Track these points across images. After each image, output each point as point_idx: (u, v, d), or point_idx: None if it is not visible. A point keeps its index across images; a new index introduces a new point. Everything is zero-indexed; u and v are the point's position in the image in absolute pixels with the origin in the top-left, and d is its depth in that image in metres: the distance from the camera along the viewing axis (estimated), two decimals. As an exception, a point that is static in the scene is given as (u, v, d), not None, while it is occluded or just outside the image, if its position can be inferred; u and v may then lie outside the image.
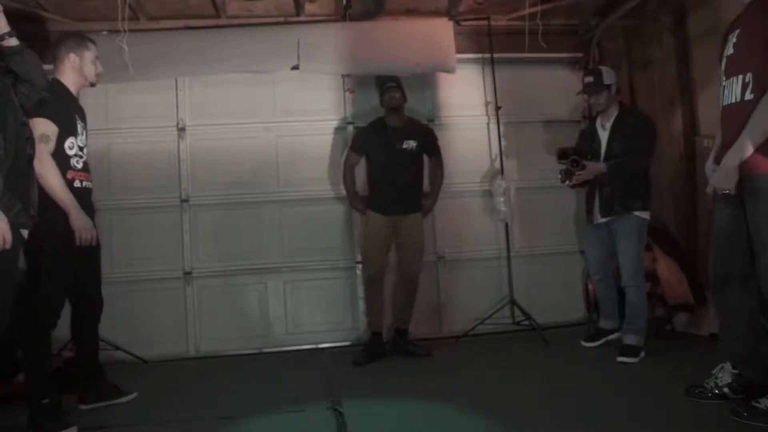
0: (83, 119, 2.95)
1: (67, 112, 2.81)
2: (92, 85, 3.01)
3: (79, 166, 2.85)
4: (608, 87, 3.52)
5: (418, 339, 4.00)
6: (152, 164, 4.30)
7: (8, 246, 2.06)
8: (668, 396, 2.60)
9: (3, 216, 2.06)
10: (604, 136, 3.57)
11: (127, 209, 4.25)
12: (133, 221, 4.26)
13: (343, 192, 4.22)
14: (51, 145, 2.67)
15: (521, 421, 2.44)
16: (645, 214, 3.44)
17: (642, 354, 3.35)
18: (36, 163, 2.41)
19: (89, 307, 3.00)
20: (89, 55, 2.94)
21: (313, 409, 2.71)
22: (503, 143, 4.46)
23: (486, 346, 4.07)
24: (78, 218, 2.70)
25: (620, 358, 3.32)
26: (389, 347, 3.88)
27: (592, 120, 3.73)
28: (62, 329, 3.35)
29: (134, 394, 3.05)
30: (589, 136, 3.71)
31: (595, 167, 3.47)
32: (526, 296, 4.38)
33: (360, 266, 4.39)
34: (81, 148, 2.87)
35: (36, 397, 2.59)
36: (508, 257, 4.37)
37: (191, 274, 4.32)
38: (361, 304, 4.38)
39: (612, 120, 3.54)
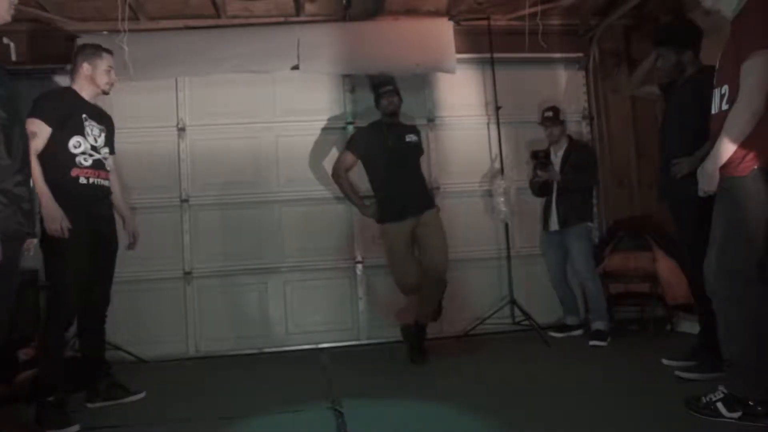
0: (101, 122, 3.06)
1: (70, 114, 2.90)
2: (105, 93, 3.10)
3: (87, 163, 2.92)
4: (562, 122, 4.26)
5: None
6: (152, 164, 4.30)
7: None
8: (669, 399, 2.60)
9: None
10: (556, 162, 4.21)
11: (127, 209, 4.25)
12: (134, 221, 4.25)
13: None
14: (37, 143, 2.71)
15: (521, 422, 2.44)
16: (591, 224, 4.24)
17: (608, 338, 3.85)
18: None
19: (95, 307, 3.03)
20: (102, 64, 3.03)
21: (313, 409, 2.71)
22: (503, 143, 4.46)
23: (486, 346, 4.07)
24: (47, 207, 2.70)
25: (592, 342, 3.84)
26: (402, 328, 3.79)
27: (548, 151, 4.30)
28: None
29: (143, 394, 3.08)
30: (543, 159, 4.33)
31: (555, 173, 4.16)
32: (526, 296, 4.39)
33: (359, 266, 4.41)
34: (94, 147, 2.96)
35: (42, 394, 2.63)
36: (508, 257, 4.38)
37: (191, 274, 4.32)
38: (361, 304, 4.40)
39: (563, 150, 4.21)
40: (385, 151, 3.74)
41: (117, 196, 3.24)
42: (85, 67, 2.99)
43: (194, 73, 4.28)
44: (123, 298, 4.05)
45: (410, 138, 3.83)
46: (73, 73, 3.04)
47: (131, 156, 4.27)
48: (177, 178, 4.34)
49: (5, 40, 4.07)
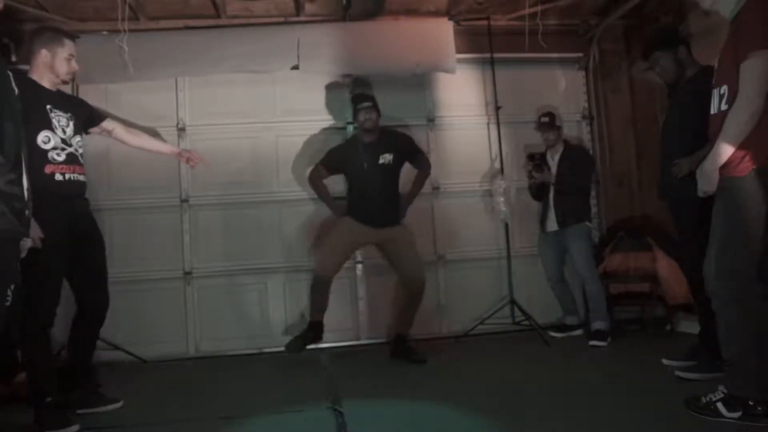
0: (68, 109, 2.86)
1: (33, 108, 2.66)
2: (65, 82, 2.91)
3: (60, 158, 2.75)
4: (558, 128, 4.24)
5: (418, 339, 3.98)
6: (152, 164, 4.26)
7: None
8: (669, 399, 2.60)
9: None
10: (553, 165, 4.23)
11: (127, 209, 4.25)
12: (133, 221, 4.26)
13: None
14: None
15: (521, 422, 2.44)
16: (590, 224, 4.23)
17: (609, 339, 3.85)
18: None
19: (94, 308, 2.97)
20: (63, 51, 2.79)
21: (313, 409, 2.71)
22: (503, 143, 4.46)
23: (486, 346, 4.07)
24: None
25: (592, 342, 3.84)
26: (390, 352, 3.83)
27: (544, 153, 4.33)
28: (61, 330, 3.36)
29: (120, 403, 2.94)
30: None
31: (549, 176, 4.20)
32: (526, 296, 4.39)
33: (360, 266, 4.41)
34: (64, 140, 2.79)
35: (39, 395, 2.61)
36: (508, 257, 4.38)
37: (191, 274, 4.32)
38: (361, 304, 4.40)
39: (559, 154, 4.23)
40: (357, 170, 3.84)
41: (149, 141, 3.35)
42: (44, 54, 2.74)
43: (194, 73, 4.28)
44: (123, 298, 4.04)
45: (384, 159, 3.80)
46: (30, 59, 2.77)
47: (131, 156, 4.25)
48: (177, 178, 4.34)
49: (5, 40, 4.07)
